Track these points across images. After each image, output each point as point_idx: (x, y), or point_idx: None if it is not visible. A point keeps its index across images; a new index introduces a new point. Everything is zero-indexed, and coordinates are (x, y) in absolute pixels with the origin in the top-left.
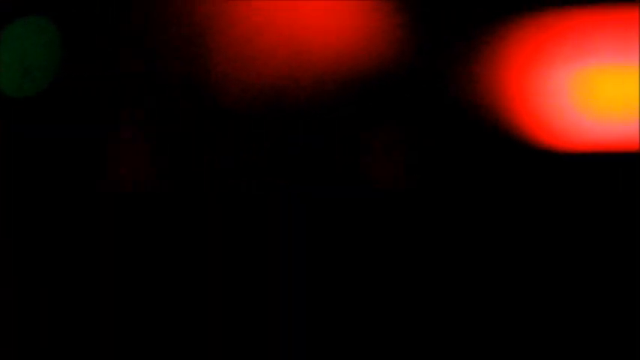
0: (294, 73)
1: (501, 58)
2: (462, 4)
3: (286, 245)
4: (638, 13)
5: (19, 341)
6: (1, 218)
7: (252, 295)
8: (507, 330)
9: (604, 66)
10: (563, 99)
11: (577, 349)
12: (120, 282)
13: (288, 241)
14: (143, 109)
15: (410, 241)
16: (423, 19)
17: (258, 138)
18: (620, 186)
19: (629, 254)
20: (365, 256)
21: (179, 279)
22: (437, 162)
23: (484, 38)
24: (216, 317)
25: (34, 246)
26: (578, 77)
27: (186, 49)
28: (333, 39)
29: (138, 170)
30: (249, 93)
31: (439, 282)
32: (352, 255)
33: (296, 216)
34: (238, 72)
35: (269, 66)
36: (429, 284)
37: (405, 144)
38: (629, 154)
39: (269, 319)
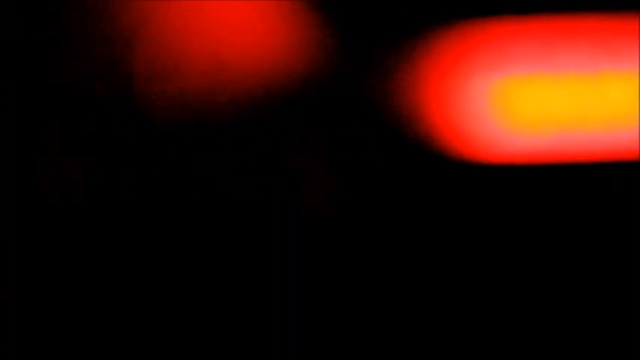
0: (216, 80)
1: (421, 68)
2: (382, 14)
3: (283, 249)
4: (557, 23)
5: (19, 341)
6: (1, 218)
7: (249, 299)
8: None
9: (523, 76)
10: (482, 109)
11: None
12: (118, 284)
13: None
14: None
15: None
16: (344, 29)
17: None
18: (540, 198)
19: (548, 266)
20: (362, 258)
21: (178, 280)
22: (355, 171)
23: (403, 48)
24: (212, 322)
25: (35, 247)
26: (498, 87)
27: (107, 54)
28: (254, 45)
29: (135, 173)
30: (171, 100)
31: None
32: (349, 257)
33: (292, 220)
34: (159, 79)
35: (191, 72)
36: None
37: (324, 153)
38: (549, 166)
39: (266, 324)
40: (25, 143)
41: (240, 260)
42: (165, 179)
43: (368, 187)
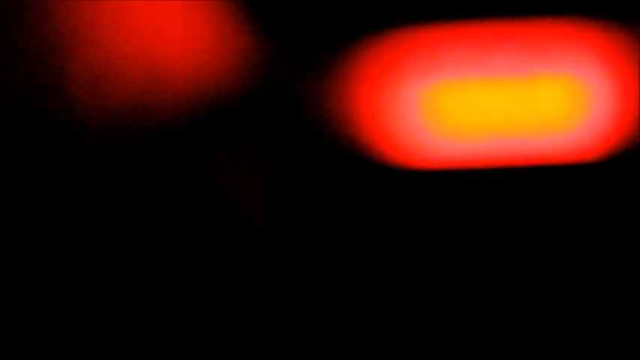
0: (151, 86)
1: (352, 75)
2: (311, 23)
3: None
4: (485, 28)
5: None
6: (1, 218)
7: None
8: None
9: (453, 81)
10: (413, 115)
11: None
12: (116, 285)
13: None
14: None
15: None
16: (277, 36)
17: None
18: (472, 203)
19: (477, 269)
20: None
21: (179, 277)
22: (288, 178)
23: (334, 55)
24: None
25: (35, 246)
26: (428, 93)
27: (41, 61)
28: (188, 51)
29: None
30: (105, 106)
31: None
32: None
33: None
34: (93, 85)
35: (125, 78)
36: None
37: (258, 160)
38: (481, 171)
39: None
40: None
41: (163, 265)
42: (102, 182)
43: (299, 193)
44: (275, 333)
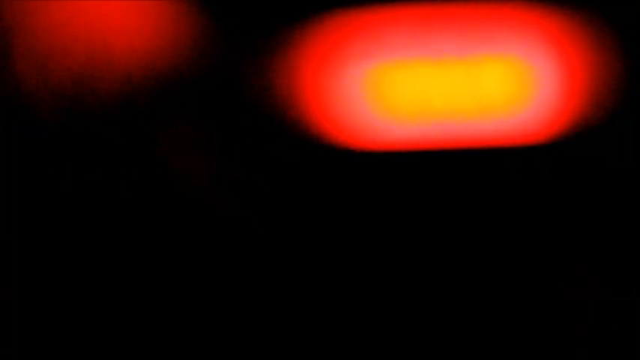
0: (94, 71)
1: (295, 58)
2: (255, 4)
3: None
4: (429, 10)
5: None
6: (1, 218)
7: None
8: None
9: (397, 63)
10: (358, 97)
11: None
12: (115, 285)
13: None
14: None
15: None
16: (219, 19)
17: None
18: (417, 185)
19: (425, 253)
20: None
21: (179, 278)
22: (235, 161)
23: (277, 38)
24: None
25: (35, 247)
26: (372, 75)
27: None
28: (132, 37)
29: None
30: (52, 92)
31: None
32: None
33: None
34: (39, 71)
35: (69, 64)
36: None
37: (204, 143)
38: (425, 153)
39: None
40: None
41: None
42: (52, 170)
43: (244, 174)
44: (236, 316)
